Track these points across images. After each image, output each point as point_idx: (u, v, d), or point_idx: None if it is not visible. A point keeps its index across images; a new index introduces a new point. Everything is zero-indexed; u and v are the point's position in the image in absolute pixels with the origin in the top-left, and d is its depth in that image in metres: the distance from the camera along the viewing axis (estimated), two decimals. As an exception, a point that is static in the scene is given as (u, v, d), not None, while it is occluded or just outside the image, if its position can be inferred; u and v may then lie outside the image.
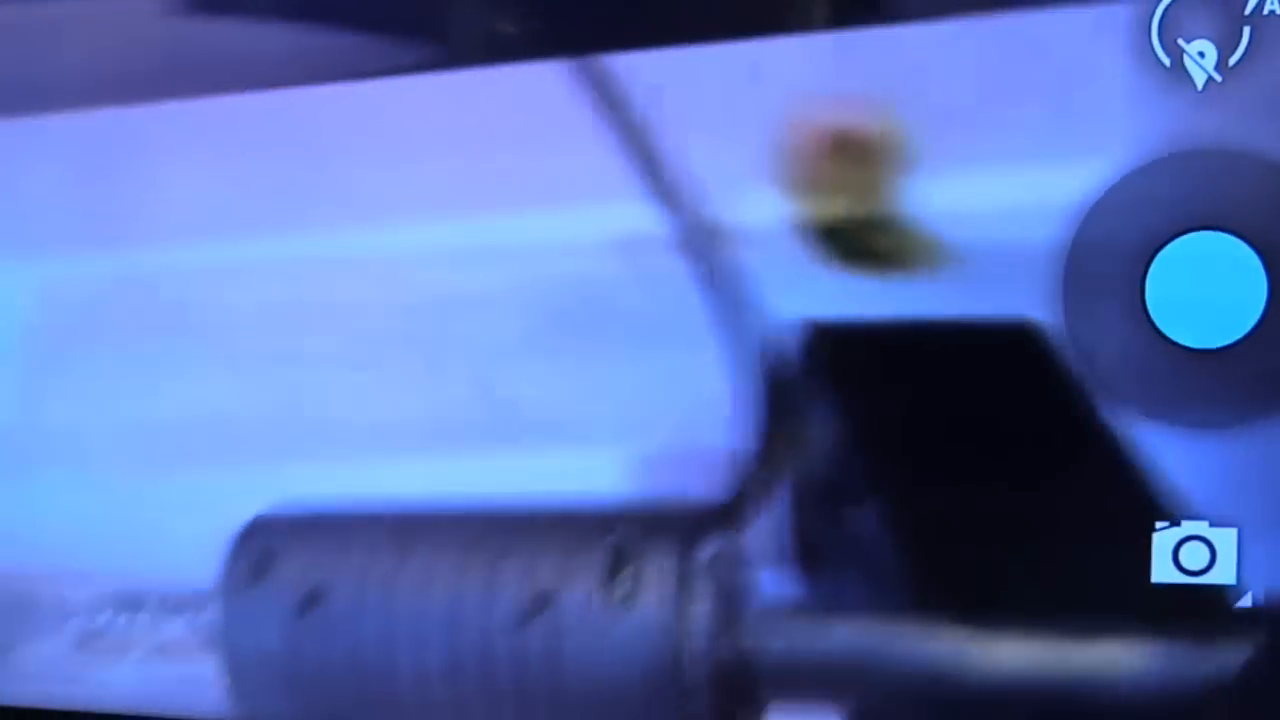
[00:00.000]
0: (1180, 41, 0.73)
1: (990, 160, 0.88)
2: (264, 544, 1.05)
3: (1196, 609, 0.77)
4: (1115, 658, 0.80)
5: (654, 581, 0.96)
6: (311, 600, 1.02)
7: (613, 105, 0.92)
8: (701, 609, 0.95)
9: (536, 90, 0.93)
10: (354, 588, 1.01)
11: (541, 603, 0.98)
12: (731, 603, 0.96)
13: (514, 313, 0.95)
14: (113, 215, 1.05)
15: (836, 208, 0.87)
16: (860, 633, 0.91)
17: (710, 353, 0.89)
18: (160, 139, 1.04)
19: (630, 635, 0.96)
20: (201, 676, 1.10)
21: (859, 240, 0.87)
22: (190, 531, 1.06)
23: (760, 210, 0.86)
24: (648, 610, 0.96)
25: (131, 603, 1.12)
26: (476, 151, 0.93)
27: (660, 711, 0.99)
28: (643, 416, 0.94)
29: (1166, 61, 0.73)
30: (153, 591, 1.10)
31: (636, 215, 0.91)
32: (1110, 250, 0.77)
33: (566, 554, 0.97)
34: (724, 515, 0.93)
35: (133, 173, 1.08)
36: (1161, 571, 0.75)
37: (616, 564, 0.97)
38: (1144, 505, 0.81)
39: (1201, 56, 0.72)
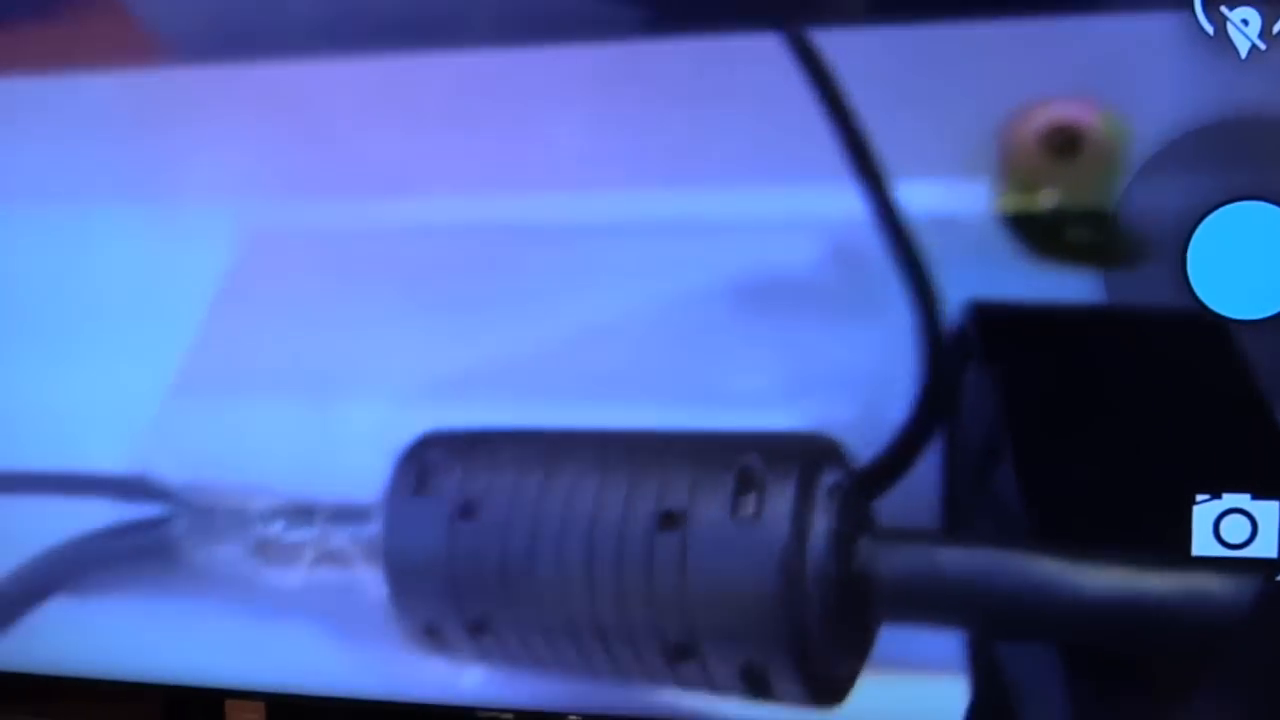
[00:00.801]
0: (1224, 9, 0.69)
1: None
2: (425, 461, 1.14)
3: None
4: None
5: (777, 502, 1.05)
6: (468, 512, 1.11)
7: (822, 84, 0.93)
8: (820, 529, 1.04)
9: (749, 65, 0.95)
10: (505, 500, 1.10)
11: (674, 517, 1.07)
12: (848, 526, 1.04)
13: (713, 284, 1.00)
14: (318, 167, 1.13)
15: (1047, 200, 0.87)
16: (969, 557, 0.98)
17: (890, 329, 0.92)
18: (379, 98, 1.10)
19: (753, 549, 1.05)
20: (364, 583, 1.18)
21: (1065, 233, 0.86)
22: (358, 453, 1.14)
23: (959, 197, 0.86)
24: (770, 528, 1.05)
25: (303, 515, 1.21)
26: (685, 125, 0.96)
27: (776, 620, 1.08)
28: (819, 383, 0.99)
29: (1210, 30, 0.70)
30: (322, 505, 1.19)
31: (838, 197, 0.93)
32: (1152, 220, 0.76)
33: (699, 475, 1.06)
34: (846, 452, 1.01)
35: (334, 128, 1.16)
36: (1202, 545, 0.75)
37: (744, 485, 1.06)
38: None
39: (1245, 24, 0.69)
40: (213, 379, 1.13)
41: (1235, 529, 0.73)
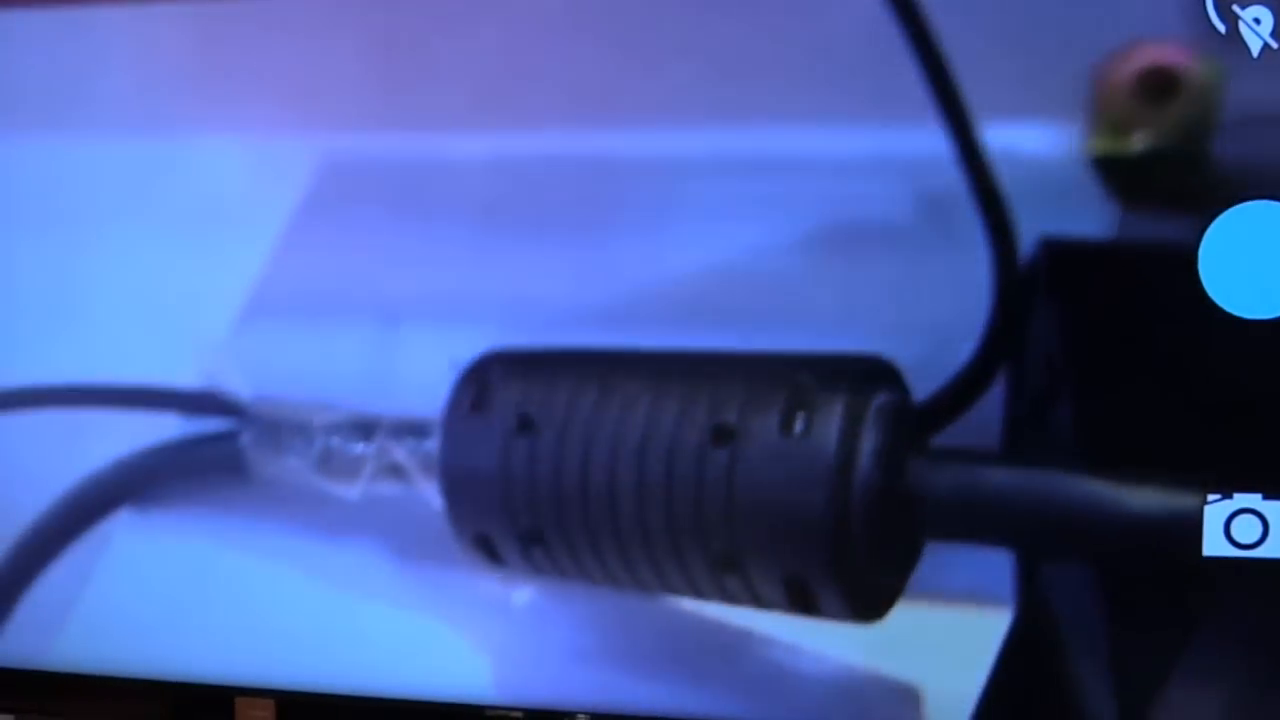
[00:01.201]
0: (1235, 8, 0.69)
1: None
2: (484, 378, 1.17)
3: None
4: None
5: (826, 420, 1.08)
6: (524, 427, 1.14)
7: (911, 21, 0.92)
8: (868, 447, 1.06)
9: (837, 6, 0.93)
10: (561, 416, 1.13)
11: (726, 432, 1.10)
12: (897, 444, 1.07)
13: (793, 222, 1.01)
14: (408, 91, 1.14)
15: (1139, 143, 0.85)
16: (1015, 476, 1.00)
17: (965, 269, 0.91)
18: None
19: (801, 464, 1.08)
20: (423, 497, 1.21)
21: (1156, 175, 0.85)
22: (420, 373, 1.17)
23: (1046, 139, 0.84)
24: (818, 444, 1.07)
25: (364, 429, 1.24)
26: (765, 62, 0.95)
27: (820, 533, 1.11)
28: (892, 320, 1.00)
29: (1222, 28, 0.70)
30: (383, 420, 1.21)
31: (920, 135, 0.93)
32: (1163, 219, 0.76)
33: (751, 392, 1.09)
34: (899, 373, 1.03)
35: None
36: (1213, 545, 0.74)
37: (795, 403, 1.08)
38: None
39: (1257, 23, 0.69)
40: (282, 300, 1.16)
41: (1246, 529, 0.73)
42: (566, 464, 1.10)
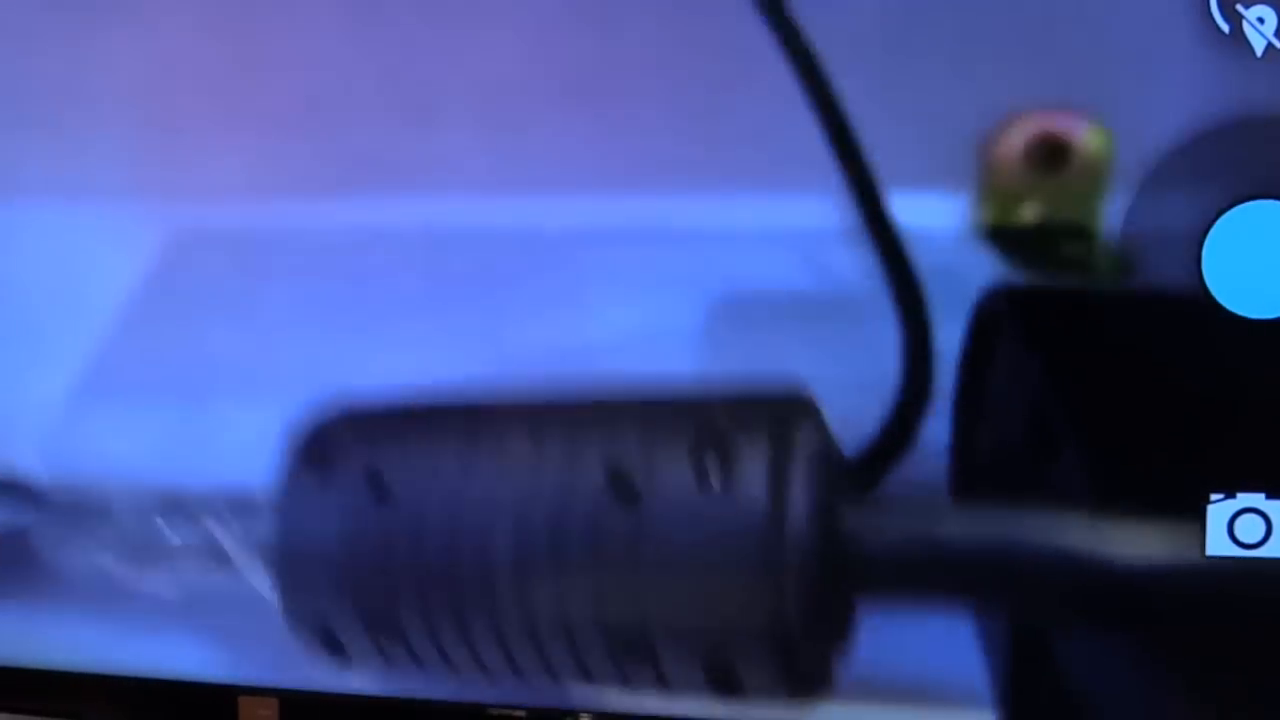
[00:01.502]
0: (1239, 8, 0.68)
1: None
2: (325, 437, 0.94)
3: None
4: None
5: (750, 468, 0.87)
6: (375, 491, 0.92)
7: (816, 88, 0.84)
8: (800, 497, 0.86)
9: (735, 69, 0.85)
10: (421, 477, 0.91)
11: (629, 488, 0.88)
12: (832, 490, 0.86)
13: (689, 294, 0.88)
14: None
15: (1032, 214, 0.81)
16: (979, 522, 0.81)
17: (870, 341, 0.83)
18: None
19: (726, 523, 0.86)
20: (254, 585, 0.99)
21: (1051, 247, 0.81)
22: (241, 440, 0.96)
23: (943, 211, 0.80)
24: (744, 497, 0.86)
25: (180, 508, 1.01)
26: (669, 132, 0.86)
27: (750, 604, 0.89)
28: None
29: (1226, 28, 0.69)
30: (203, 500, 0.99)
31: (820, 208, 0.85)
32: (1167, 218, 0.73)
33: (654, 437, 0.87)
34: (821, 410, 0.84)
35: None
36: (1217, 545, 0.71)
37: (709, 449, 0.87)
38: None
39: (1261, 23, 0.67)
40: (91, 375, 1.00)
41: (1250, 529, 0.71)
42: (428, 533, 0.87)
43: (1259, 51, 0.67)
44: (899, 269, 0.83)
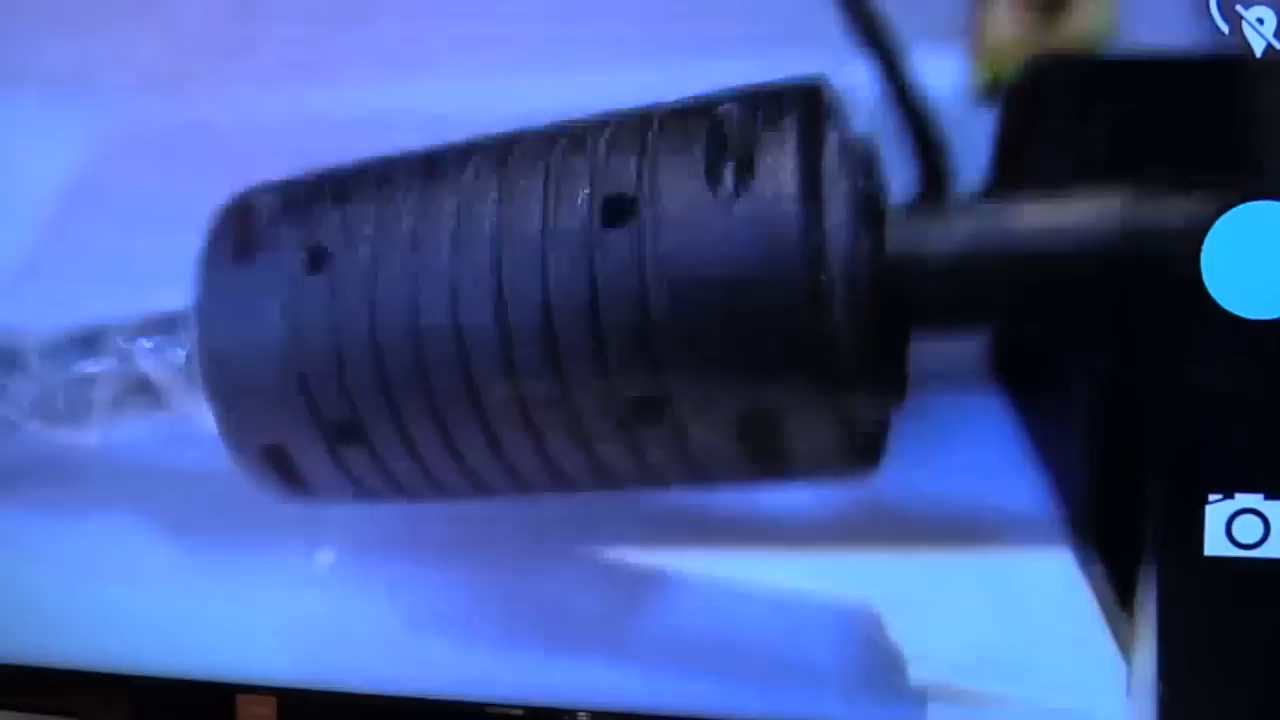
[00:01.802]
0: (1239, 8, 0.66)
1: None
2: (248, 215, 0.75)
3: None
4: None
5: (775, 166, 0.67)
6: (316, 262, 0.72)
7: None
8: (839, 196, 0.66)
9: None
10: (369, 234, 0.71)
11: (623, 205, 0.68)
12: (872, 194, 0.67)
13: None
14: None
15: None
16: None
17: None
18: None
19: (746, 233, 0.67)
20: (189, 417, 0.82)
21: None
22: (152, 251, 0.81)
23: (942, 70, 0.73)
24: (769, 201, 0.67)
25: (93, 343, 0.85)
26: None
27: (791, 333, 0.69)
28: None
29: (1225, 28, 0.67)
30: (115, 325, 0.80)
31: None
32: (1166, 221, 0.68)
33: (653, 145, 0.68)
34: (838, 100, 0.66)
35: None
36: (1215, 546, 0.68)
37: (719, 149, 0.68)
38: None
39: (1260, 23, 0.66)
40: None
41: (1248, 529, 0.69)
42: (385, 303, 0.68)
43: (1259, 52, 0.66)
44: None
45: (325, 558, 0.83)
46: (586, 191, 0.67)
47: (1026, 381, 0.71)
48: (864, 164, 0.67)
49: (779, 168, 0.65)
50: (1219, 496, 0.68)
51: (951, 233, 0.65)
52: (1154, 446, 0.69)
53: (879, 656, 0.73)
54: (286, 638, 0.88)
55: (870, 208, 0.66)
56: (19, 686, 0.94)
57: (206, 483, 0.82)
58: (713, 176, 0.66)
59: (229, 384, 0.76)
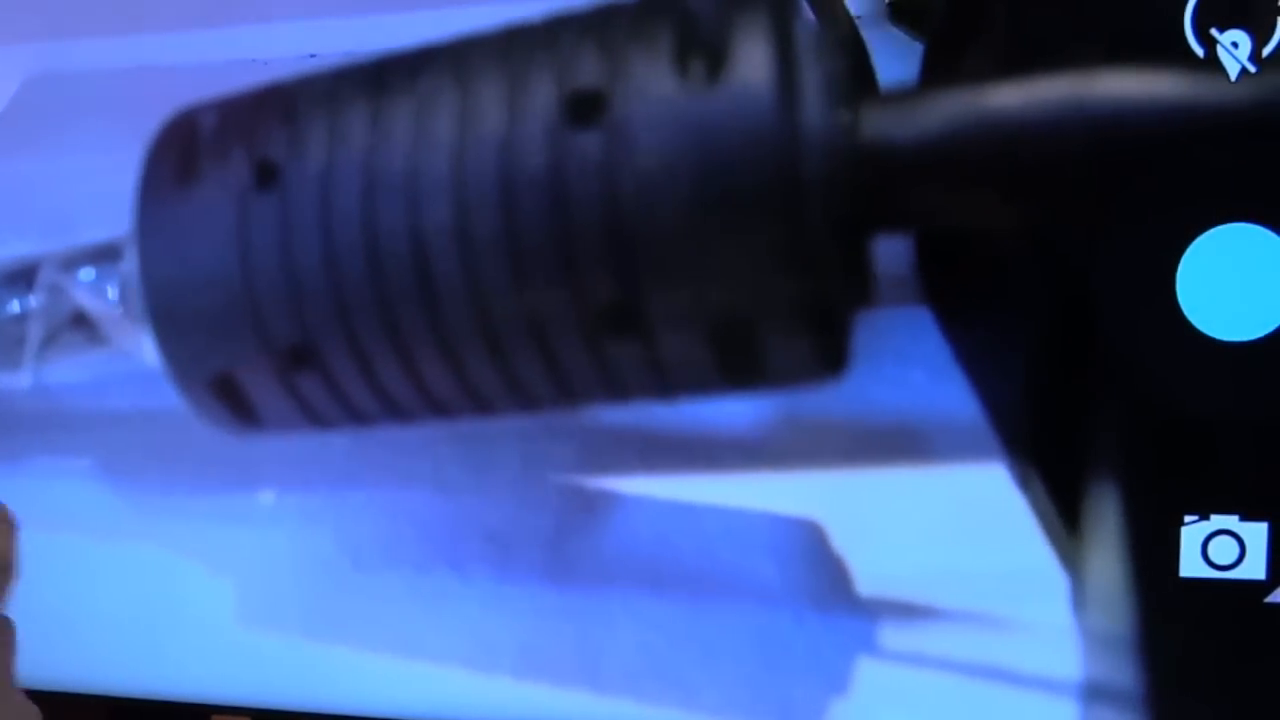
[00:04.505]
0: (1214, 32, 0.63)
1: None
2: (190, 132, 0.66)
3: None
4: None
5: (747, 52, 0.59)
6: (265, 178, 0.63)
7: None
8: (814, 83, 0.58)
9: None
10: (320, 146, 0.62)
11: (590, 101, 0.60)
12: (845, 84, 0.59)
13: None
14: None
15: None
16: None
17: None
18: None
19: (724, 125, 0.59)
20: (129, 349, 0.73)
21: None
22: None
23: None
24: (743, 88, 0.59)
25: (24, 276, 0.75)
26: None
27: (775, 231, 0.61)
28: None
29: (1200, 52, 0.63)
30: (47, 256, 0.70)
31: None
32: (1142, 242, 0.64)
33: (616, 40, 0.59)
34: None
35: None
36: (1190, 567, 0.64)
37: (687, 40, 0.59)
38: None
39: (1235, 47, 0.63)
40: None
41: (1223, 550, 0.65)
42: (339, 216, 0.59)
43: (1233, 75, 0.63)
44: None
45: (267, 497, 0.71)
46: (551, 89, 0.58)
47: (961, 297, 0.65)
48: (840, 50, 0.58)
49: (751, 56, 0.57)
50: (1194, 518, 0.65)
51: (930, 116, 0.57)
52: (1129, 467, 0.65)
53: (826, 573, 0.66)
54: (261, 656, 0.79)
55: (845, 95, 0.57)
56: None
57: (149, 424, 0.72)
58: (683, 68, 0.58)
59: (173, 312, 0.67)
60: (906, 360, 0.65)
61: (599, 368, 0.63)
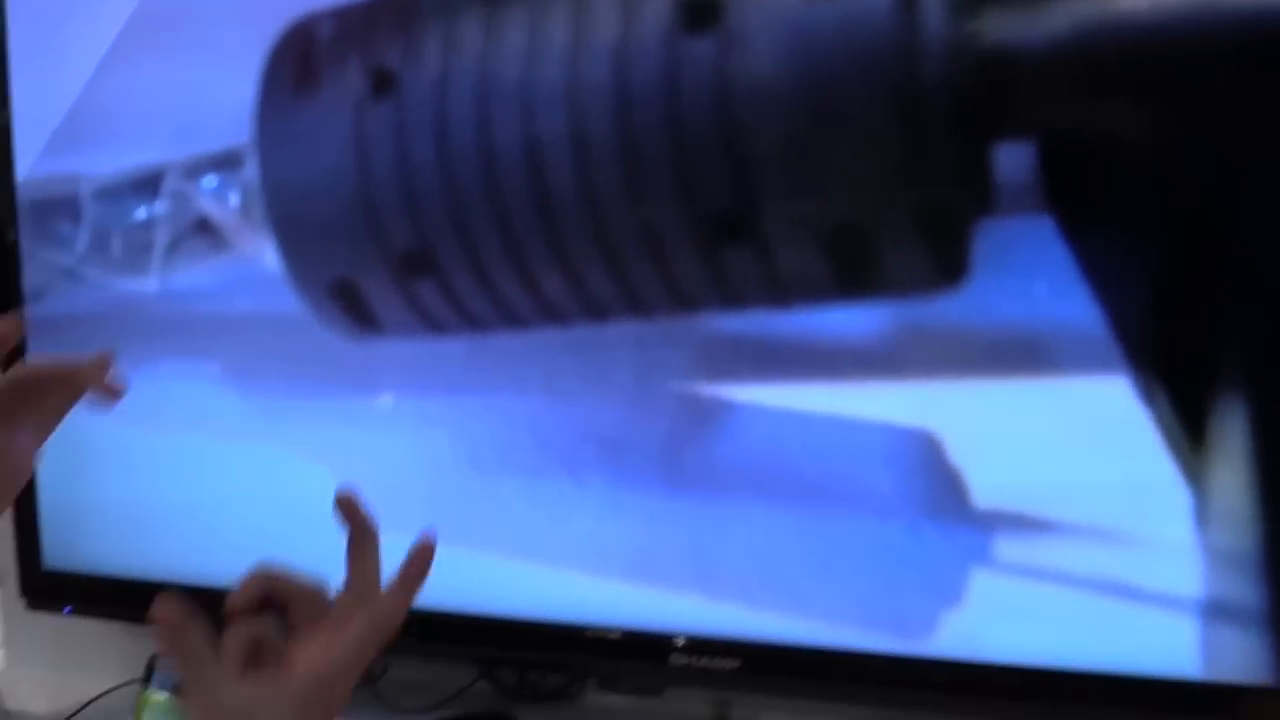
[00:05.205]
0: None
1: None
2: (308, 41, 0.64)
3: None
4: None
5: None
6: (381, 86, 0.61)
7: None
8: None
9: None
10: (436, 55, 0.60)
11: (706, 6, 0.57)
12: None
13: None
14: None
15: None
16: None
17: None
18: None
19: (841, 32, 0.56)
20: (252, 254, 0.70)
21: None
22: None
23: None
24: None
25: (150, 184, 0.74)
26: None
27: (894, 137, 0.58)
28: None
29: None
30: (172, 164, 0.69)
31: None
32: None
33: None
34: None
35: None
36: None
37: None
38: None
39: None
40: None
41: None
42: (454, 124, 0.57)
43: None
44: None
45: (386, 401, 0.70)
46: (667, 7, 0.56)
47: (1086, 205, 0.61)
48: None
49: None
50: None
51: (1056, 19, 0.54)
52: (1259, 380, 0.61)
53: (943, 485, 0.64)
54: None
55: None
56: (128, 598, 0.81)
57: (271, 328, 0.71)
58: (800, -20, 0.55)
59: (293, 218, 0.66)
60: (1028, 270, 0.61)
61: (713, 276, 0.61)
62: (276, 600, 0.38)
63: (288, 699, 0.36)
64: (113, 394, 0.41)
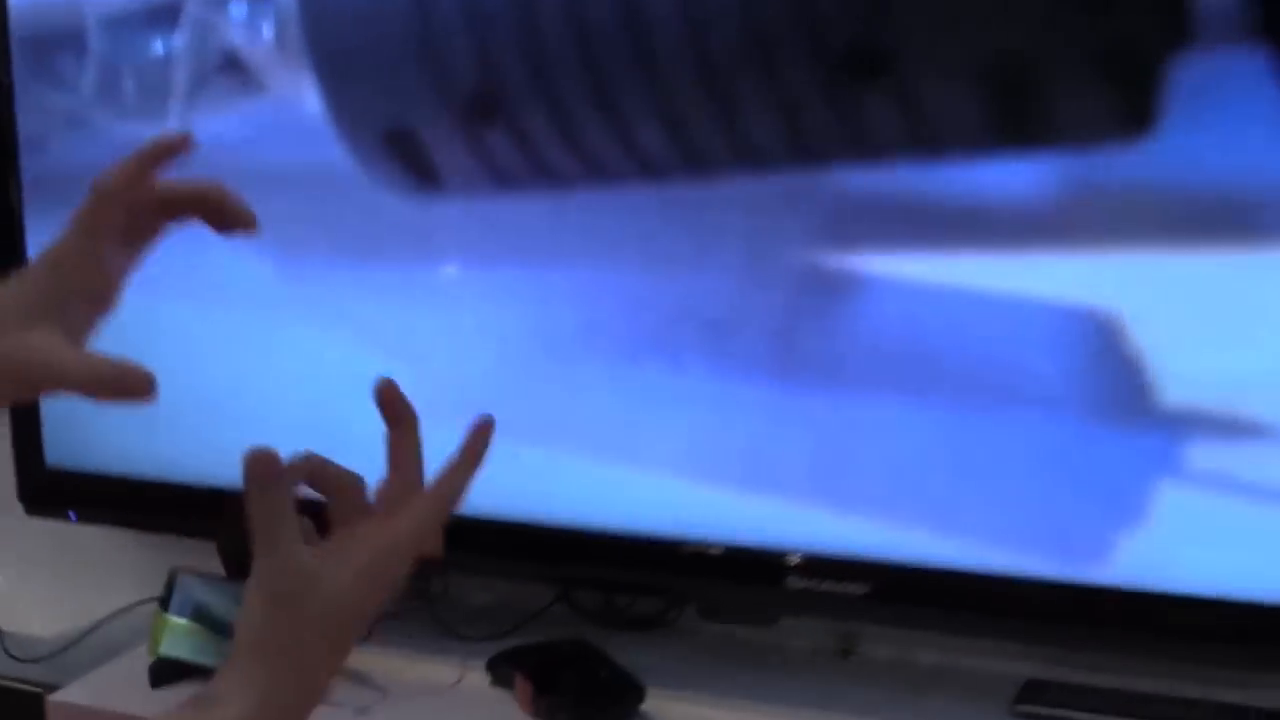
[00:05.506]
0: None
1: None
2: None
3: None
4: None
5: None
6: None
7: None
8: None
9: None
10: None
11: None
12: None
13: None
14: None
15: None
16: None
17: None
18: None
19: None
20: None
21: None
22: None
23: None
24: None
25: (168, 12, 0.67)
26: None
27: None
28: None
29: None
30: None
31: None
32: None
33: None
34: None
35: None
36: None
37: None
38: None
39: None
40: None
41: None
42: None
43: None
44: None
45: (449, 272, 0.67)
46: None
47: None
48: None
49: None
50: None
51: None
52: None
53: (1121, 378, 0.57)
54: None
55: None
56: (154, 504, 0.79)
57: (314, 186, 0.66)
58: None
59: (339, 52, 0.64)
60: (1236, 115, 0.53)
61: (842, 119, 0.55)
62: (321, 488, 0.39)
63: (350, 569, 0.38)
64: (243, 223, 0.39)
